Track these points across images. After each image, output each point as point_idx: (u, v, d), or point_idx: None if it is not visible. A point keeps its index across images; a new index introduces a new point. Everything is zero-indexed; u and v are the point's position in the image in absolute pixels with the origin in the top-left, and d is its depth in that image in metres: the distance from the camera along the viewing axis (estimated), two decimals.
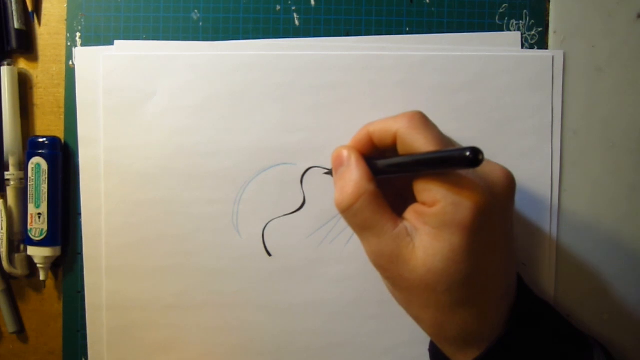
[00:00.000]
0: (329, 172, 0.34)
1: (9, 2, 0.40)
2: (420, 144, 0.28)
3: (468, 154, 0.24)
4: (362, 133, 0.32)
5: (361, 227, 0.29)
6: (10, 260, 0.40)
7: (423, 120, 0.29)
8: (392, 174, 0.30)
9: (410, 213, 0.29)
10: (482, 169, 0.28)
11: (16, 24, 0.40)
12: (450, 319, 0.28)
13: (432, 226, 0.27)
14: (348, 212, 0.29)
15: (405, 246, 0.28)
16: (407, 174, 0.29)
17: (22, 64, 0.41)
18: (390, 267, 0.28)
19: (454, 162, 0.25)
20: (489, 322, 0.29)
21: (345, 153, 0.31)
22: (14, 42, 0.40)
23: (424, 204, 0.28)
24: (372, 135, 0.31)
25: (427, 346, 0.39)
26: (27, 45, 0.41)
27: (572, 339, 0.32)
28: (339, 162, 0.31)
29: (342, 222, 0.40)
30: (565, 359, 0.30)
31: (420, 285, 0.28)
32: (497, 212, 0.28)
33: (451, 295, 0.28)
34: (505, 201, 0.29)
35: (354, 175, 0.30)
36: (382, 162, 0.30)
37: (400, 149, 0.29)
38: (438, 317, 0.29)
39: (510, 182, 0.29)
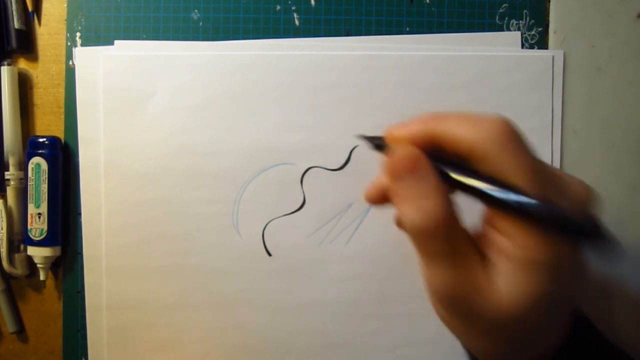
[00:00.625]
0: (372, 142, 0.27)
1: (9, 2, 0.40)
2: (509, 171, 0.22)
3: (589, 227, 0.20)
4: (423, 130, 0.25)
5: (436, 254, 0.24)
6: (10, 260, 0.40)
7: (515, 138, 0.23)
8: (464, 192, 0.24)
9: (484, 239, 0.25)
10: (566, 187, 0.24)
11: (16, 24, 0.40)
12: (520, 351, 0.26)
13: (515, 260, 0.23)
14: (427, 236, 0.24)
15: (485, 279, 0.24)
16: (483, 202, 0.23)
17: (22, 64, 0.41)
18: (463, 302, 0.24)
19: (563, 229, 0.21)
20: (555, 342, 0.26)
21: (416, 157, 0.24)
22: (14, 42, 0.40)
23: (502, 230, 0.24)
24: (437, 138, 0.24)
25: (426, 346, 0.39)
26: (27, 45, 0.41)
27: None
28: (406, 168, 0.25)
29: (342, 222, 0.40)
30: None
31: (497, 322, 0.24)
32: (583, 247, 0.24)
33: (531, 335, 0.25)
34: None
35: (433, 192, 0.24)
36: (457, 178, 0.23)
37: (478, 166, 0.23)
38: (505, 349, 0.26)
39: (591, 196, 0.24)
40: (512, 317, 0.23)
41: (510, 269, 0.23)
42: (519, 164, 0.22)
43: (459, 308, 0.25)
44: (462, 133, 0.23)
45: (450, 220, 0.24)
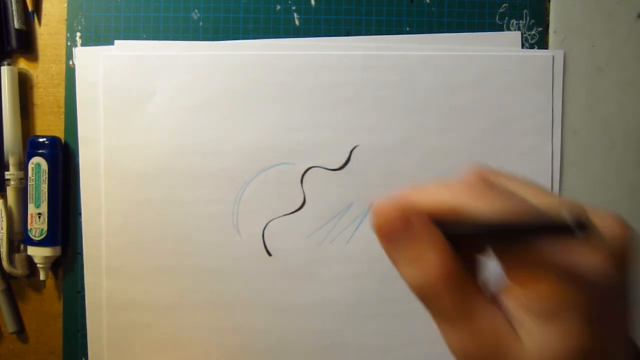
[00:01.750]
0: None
1: (9, 2, 0.40)
2: (484, 214, 0.21)
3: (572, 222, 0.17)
4: (449, 202, 0.23)
5: (447, 314, 0.23)
6: (10, 260, 0.40)
7: (486, 182, 0.22)
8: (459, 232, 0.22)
9: (501, 295, 0.23)
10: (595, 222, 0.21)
11: (16, 23, 0.40)
12: None
13: (539, 314, 0.21)
14: (431, 294, 0.22)
15: (510, 338, 0.21)
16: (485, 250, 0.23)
17: (22, 64, 0.41)
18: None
19: (547, 231, 0.19)
20: None
21: (408, 216, 0.23)
22: (14, 42, 0.40)
23: (516, 280, 0.22)
24: (458, 213, 0.22)
25: (426, 346, 0.39)
26: (27, 45, 0.41)
27: None
28: (397, 227, 0.23)
29: (342, 222, 0.40)
30: None
31: None
32: (621, 280, 0.21)
33: None
34: (627, 262, 0.22)
35: (430, 246, 0.22)
36: (450, 229, 0.22)
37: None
38: None
39: (629, 235, 0.22)
40: None
41: (534, 324, 0.21)
42: (495, 204, 0.21)
43: None
44: (438, 198, 0.22)
45: (455, 275, 0.22)
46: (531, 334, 0.21)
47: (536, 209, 0.21)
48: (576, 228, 0.17)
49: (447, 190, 0.22)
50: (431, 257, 0.22)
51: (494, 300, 0.22)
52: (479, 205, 0.21)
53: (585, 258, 0.20)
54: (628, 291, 0.22)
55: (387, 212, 0.23)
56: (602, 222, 0.21)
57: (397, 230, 0.23)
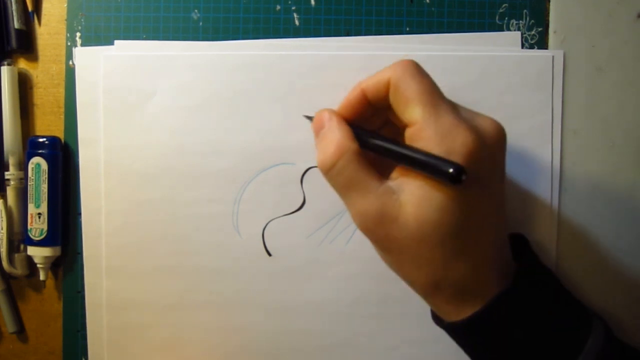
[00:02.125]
0: (310, 118, 0.33)
1: (9, 2, 0.40)
2: (412, 92, 0.28)
3: (451, 170, 0.25)
4: (356, 91, 0.31)
5: (345, 188, 0.29)
6: (10, 260, 0.40)
7: (417, 69, 0.29)
8: (373, 151, 0.29)
9: (397, 171, 0.29)
10: (473, 119, 0.28)
11: (16, 23, 0.40)
12: (445, 274, 0.28)
13: (421, 178, 0.27)
14: (331, 171, 0.29)
15: (392, 204, 0.27)
16: (388, 157, 0.29)
17: (22, 64, 0.41)
18: (377, 228, 0.28)
19: (436, 172, 0.26)
20: (483, 277, 0.28)
21: (326, 115, 0.31)
22: (14, 42, 0.40)
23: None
24: (365, 91, 0.31)
25: (426, 346, 0.39)
26: (27, 45, 0.41)
27: (573, 307, 0.31)
28: (319, 125, 0.31)
29: (342, 222, 0.40)
30: (565, 325, 0.30)
31: (412, 242, 0.27)
32: (488, 162, 0.28)
33: (445, 248, 0.27)
34: (496, 151, 0.29)
35: (335, 135, 0.29)
36: (365, 136, 0.30)
37: (392, 98, 0.29)
38: (432, 274, 0.28)
39: (500, 132, 0.29)
40: (425, 229, 0.27)
41: (419, 186, 0.27)
42: (420, 86, 0.28)
43: (377, 237, 0.28)
44: (379, 76, 0.29)
45: (351, 157, 0.28)
46: (413, 194, 0.27)
47: (438, 99, 0.28)
48: (454, 179, 0.25)
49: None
50: (333, 145, 0.29)
51: (382, 177, 0.29)
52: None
53: (465, 139, 0.27)
54: (496, 177, 0.29)
55: (317, 115, 0.32)
56: (483, 119, 0.29)
57: (320, 125, 0.31)
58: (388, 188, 0.28)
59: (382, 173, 0.29)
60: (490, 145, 0.28)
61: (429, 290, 0.29)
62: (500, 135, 0.29)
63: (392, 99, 0.29)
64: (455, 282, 0.28)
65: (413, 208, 0.27)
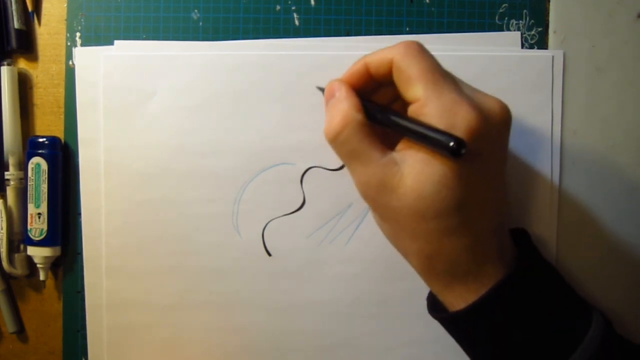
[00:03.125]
0: (322, 90, 0.34)
1: (9, 2, 0.40)
2: (414, 71, 0.28)
3: (452, 144, 0.25)
4: (359, 64, 0.31)
5: (349, 157, 0.29)
6: (10, 260, 0.40)
7: (419, 49, 0.29)
8: (380, 123, 0.30)
9: (401, 144, 0.29)
10: (478, 98, 0.28)
11: (16, 23, 0.40)
12: (439, 249, 0.28)
13: (423, 151, 0.27)
14: (336, 140, 0.30)
15: (392, 175, 0.28)
16: (394, 130, 0.29)
17: (22, 64, 0.41)
18: (377, 197, 0.28)
19: (437, 144, 0.26)
20: (478, 256, 0.28)
21: (336, 85, 0.31)
22: (14, 42, 0.40)
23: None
24: (369, 66, 0.31)
25: (426, 346, 0.39)
26: (27, 45, 0.41)
27: (573, 299, 0.31)
28: (330, 94, 0.31)
29: (342, 222, 0.40)
30: (565, 316, 0.30)
31: (409, 213, 0.28)
32: (490, 140, 0.28)
33: (441, 223, 0.27)
34: (500, 131, 0.29)
35: (342, 105, 0.30)
36: (373, 109, 0.30)
37: (396, 77, 0.29)
38: (426, 247, 0.28)
39: (505, 112, 0.29)
40: (422, 202, 0.27)
41: (419, 160, 0.28)
42: (422, 66, 0.28)
43: (377, 205, 0.29)
44: (383, 54, 0.30)
45: (356, 127, 0.29)
46: (414, 167, 0.28)
47: (441, 78, 0.28)
48: (454, 152, 0.25)
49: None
50: (339, 115, 0.29)
51: (387, 149, 0.29)
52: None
53: (467, 115, 0.27)
54: (498, 157, 0.29)
55: (329, 85, 0.32)
56: (488, 99, 0.29)
57: (330, 94, 0.31)
58: (391, 159, 0.28)
59: (390, 146, 0.30)
60: (493, 124, 0.28)
61: (422, 263, 0.30)
62: (504, 114, 0.29)
63: (395, 78, 0.29)
64: (448, 258, 0.28)
65: (412, 180, 0.27)
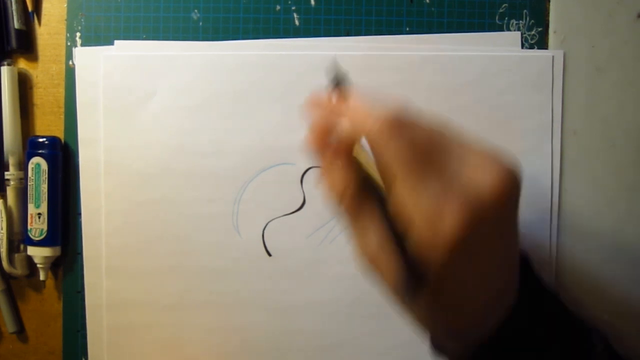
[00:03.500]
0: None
1: (9, 2, 0.40)
2: (388, 157, 0.24)
3: (411, 283, 0.23)
4: (324, 121, 0.29)
5: (350, 228, 0.28)
6: (10, 260, 0.40)
7: (399, 126, 0.25)
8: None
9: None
10: (470, 176, 0.24)
11: (16, 24, 0.40)
12: (433, 323, 0.28)
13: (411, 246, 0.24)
14: (340, 205, 0.28)
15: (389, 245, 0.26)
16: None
17: (22, 64, 0.41)
18: (375, 265, 0.27)
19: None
20: (479, 324, 0.28)
21: (326, 141, 0.29)
22: (14, 42, 0.40)
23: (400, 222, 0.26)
24: (342, 121, 0.28)
25: (425, 347, 0.38)
26: (27, 45, 0.41)
27: (575, 325, 0.31)
28: (320, 147, 0.29)
29: (342, 222, 0.40)
30: (567, 345, 0.30)
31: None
32: (487, 223, 0.24)
33: (450, 289, 0.26)
34: (498, 209, 0.24)
35: (341, 170, 0.28)
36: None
37: (372, 152, 0.26)
38: (440, 315, 0.27)
39: (504, 183, 0.24)
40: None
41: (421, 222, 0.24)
42: (396, 152, 0.24)
43: (375, 271, 0.27)
44: (357, 125, 0.26)
45: (354, 197, 0.27)
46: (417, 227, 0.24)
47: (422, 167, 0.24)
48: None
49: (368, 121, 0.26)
50: (338, 178, 0.28)
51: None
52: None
53: (453, 209, 0.23)
54: (499, 234, 0.25)
55: (315, 135, 0.29)
56: (483, 179, 0.24)
57: (326, 162, 0.29)
58: (383, 228, 0.26)
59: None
60: (490, 205, 0.24)
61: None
62: (502, 187, 0.24)
63: (373, 152, 0.26)
64: (445, 326, 0.28)
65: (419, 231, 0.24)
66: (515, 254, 0.28)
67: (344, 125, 0.28)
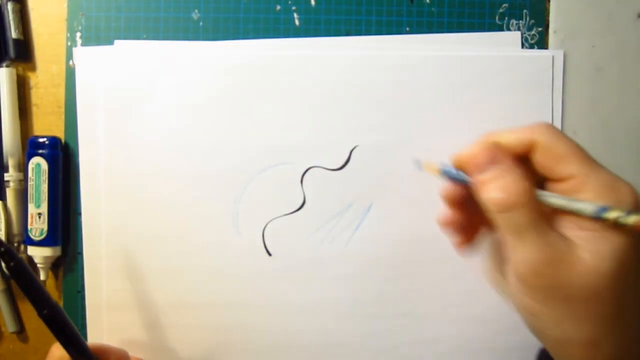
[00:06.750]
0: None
1: (6, 12, 0.40)
2: (565, 149, 0.28)
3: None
4: (488, 143, 0.30)
5: (521, 229, 0.28)
6: None
7: (559, 129, 0.29)
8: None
9: (566, 220, 0.28)
10: (614, 182, 0.28)
11: (14, 33, 0.40)
12: (609, 334, 0.27)
13: (594, 229, 0.26)
14: (512, 210, 0.28)
15: (568, 250, 0.27)
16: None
17: (22, 64, 0.41)
18: (547, 273, 0.27)
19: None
20: None
21: (498, 152, 0.30)
22: (12, 52, 0.40)
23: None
24: (504, 146, 0.30)
25: (426, 346, 0.39)
26: (25, 55, 0.40)
27: None
28: (489, 160, 0.29)
29: (342, 222, 0.40)
30: None
31: (585, 293, 0.26)
32: None
33: (618, 304, 0.26)
34: None
35: (516, 175, 0.28)
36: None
37: (543, 158, 0.28)
38: (596, 332, 0.27)
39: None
40: (602, 281, 0.26)
41: (590, 238, 0.26)
42: (571, 145, 0.28)
43: (546, 283, 0.27)
44: (522, 136, 0.29)
45: (531, 195, 0.28)
46: (587, 244, 0.26)
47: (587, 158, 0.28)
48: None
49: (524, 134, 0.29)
50: (512, 180, 0.28)
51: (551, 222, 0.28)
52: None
53: (632, 189, 0.26)
54: None
55: (489, 149, 0.30)
56: (618, 184, 0.27)
57: (486, 160, 0.29)
58: (561, 234, 0.27)
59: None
60: None
61: (585, 352, 0.28)
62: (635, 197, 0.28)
63: (542, 158, 0.29)
64: (617, 345, 0.27)
65: (591, 256, 0.26)
66: None
67: (503, 136, 0.30)
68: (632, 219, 0.25)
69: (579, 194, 0.27)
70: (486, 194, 0.29)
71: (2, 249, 0.30)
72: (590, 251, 0.26)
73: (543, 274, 0.27)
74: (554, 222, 0.29)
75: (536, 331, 0.30)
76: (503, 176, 0.29)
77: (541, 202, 0.28)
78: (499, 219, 0.29)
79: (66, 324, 0.33)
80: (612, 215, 0.25)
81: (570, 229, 0.28)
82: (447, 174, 0.32)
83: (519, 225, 0.28)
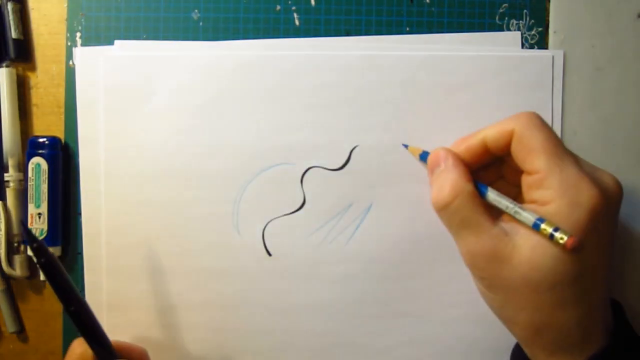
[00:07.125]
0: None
1: (6, 12, 0.40)
2: (536, 142, 0.28)
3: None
4: (476, 138, 0.32)
5: (458, 226, 0.30)
6: (10, 262, 0.40)
7: (541, 121, 0.30)
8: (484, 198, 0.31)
9: (507, 215, 0.30)
10: (596, 174, 0.29)
11: (14, 33, 0.40)
12: (549, 321, 0.28)
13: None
14: (446, 209, 0.30)
15: (504, 245, 0.28)
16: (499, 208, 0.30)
17: (22, 64, 0.41)
18: (487, 266, 0.29)
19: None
20: (588, 328, 0.28)
21: (442, 154, 0.32)
22: (11, 52, 0.40)
23: (533, 202, 0.29)
24: (486, 139, 0.31)
25: (426, 346, 0.39)
26: (25, 55, 0.40)
27: None
28: (435, 163, 0.32)
29: (342, 222, 0.40)
30: None
31: (522, 284, 0.28)
32: (607, 216, 0.28)
33: (554, 295, 0.27)
34: (615, 206, 0.29)
35: (452, 175, 0.30)
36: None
37: (515, 148, 0.30)
38: (535, 319, 0.28)
39: (619, 189, 0.30)
40: (536, 274, 0.27)
41: (531, 236, 0.28)
42: (544, 137, 0.29)
43: (485, 274, 0.29)
44: (503, 126, 0.30)
45: (467, 197, 0.29)
46: (530, 238, 0.28)
47: (560, 150, 0.29)
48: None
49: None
50: (449, 184, 0.30)
51: (494, 217, 0.30)
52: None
53: (590, 192, 0.28)
54: (612, 232, 0.30)
55: (434, 153, 0.33)
56: (602, 173, 0.29)
57: (436, 163, 0.32)
58: (501, 229, 0.29)
59: (492, 213, 0.30)
60: (611, 201, 0.28)
61: (528, 334, 0.29)
62: (619, 191, 0.30)
63: (515, 148, 0.30)
64: (557, 330, 0.28)
65: (527, 252, 0.28)
66: (610, 264, 0.30)
67: (489, 129, 0.32)
68: (558, 235, 0.26)
69: (539, 190, 0.28)
70: (431, 194, 0.31)
71: (35, 245, 0.31)
72: (527, 246, 0.28)
73: (480, 266, 0.29)
74: (502, 215, 0.30)
75: (493, 312, 0.32)
76: (440, 177, 0.31)
77: (487, 201, 0.30)
78: (439, 217, 0.31)
79: (92, 321, 0.33)
80: (545, 228, 0.27)
81: (513, 219, 0.29)
82: (422, 159, 0.36)
83: (455, 224, 0.30)
